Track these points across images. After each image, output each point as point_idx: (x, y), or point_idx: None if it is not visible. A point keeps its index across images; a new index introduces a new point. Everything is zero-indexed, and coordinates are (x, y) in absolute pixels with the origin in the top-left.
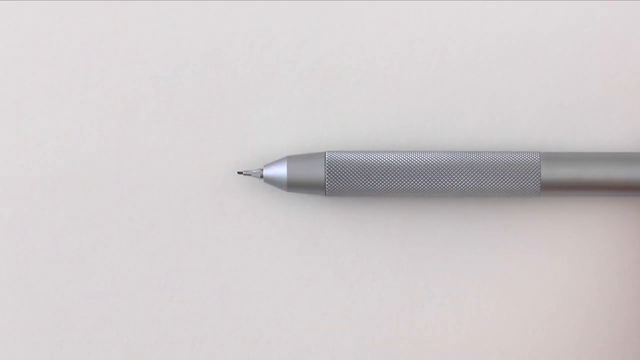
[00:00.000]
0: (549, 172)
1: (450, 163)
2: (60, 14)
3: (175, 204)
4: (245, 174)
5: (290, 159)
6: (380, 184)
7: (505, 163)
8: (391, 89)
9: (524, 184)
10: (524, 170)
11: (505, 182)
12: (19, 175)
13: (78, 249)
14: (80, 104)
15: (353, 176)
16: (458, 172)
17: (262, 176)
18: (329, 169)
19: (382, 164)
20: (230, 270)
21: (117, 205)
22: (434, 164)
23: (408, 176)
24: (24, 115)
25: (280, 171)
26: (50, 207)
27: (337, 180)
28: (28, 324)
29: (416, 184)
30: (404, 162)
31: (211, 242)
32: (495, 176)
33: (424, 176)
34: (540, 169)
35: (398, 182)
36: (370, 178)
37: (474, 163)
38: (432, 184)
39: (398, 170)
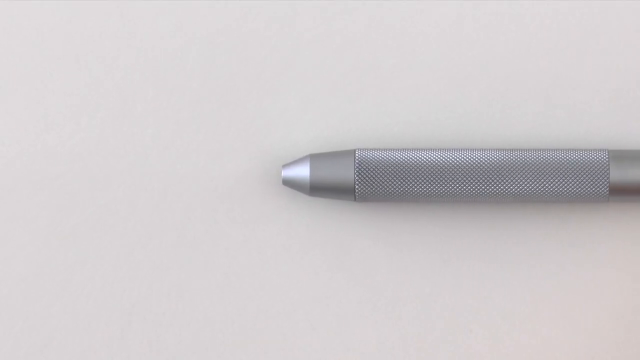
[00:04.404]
0: (619, 174)
1: (502, 163)
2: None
3: (178, 210)
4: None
5: (314, 158)
6: (419, 187)
7: (567, 163)
8: (432, 74)
9: (589, 187)
10: (589, 171)
11: (567, 185)
12: (19, 178)
13: (85, 253)
14: (85, 100)
15: (387, 178)
16: (511, 174)
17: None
18: (360, 169)
19: (421, 163)
20: (244, 287)
21: (123, 213)
22: (483, 163)
23: (452, 178)
24: (24, 118)
25: (302, 172)
26: (53, 208)
27: (369, 183)
28: (28, 325)
29: (461, 187)
30: (447, 161)
31: (222, 256)
32: (556, 178)
33: (471, 178)
34: (608, 169)
35: (440, 185)
36: (408, 180)
37: (530, 163)
38: (480, 187)
39: (440, 172)
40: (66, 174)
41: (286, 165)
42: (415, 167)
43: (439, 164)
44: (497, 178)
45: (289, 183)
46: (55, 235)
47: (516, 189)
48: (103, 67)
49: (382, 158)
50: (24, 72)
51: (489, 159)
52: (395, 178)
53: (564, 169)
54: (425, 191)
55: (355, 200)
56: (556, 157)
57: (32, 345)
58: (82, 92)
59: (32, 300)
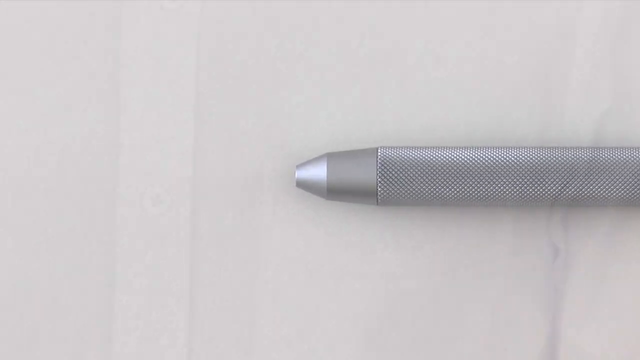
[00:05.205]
0: None
1: (543, 162)
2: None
3: (183, 214)
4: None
5: (331, 157)
6: (448, 189)
7: (619, 162)
8: (463, 66)
9: None
10: None
11: (619, 187)
12: (20, 177)
13: (86, 255)
14: (86, 96)
15: (413, 180)
16: (554, 175)
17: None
18: (382, 170)
19: (451, 163)
20: (252, 296)
21: (128, 214)
22: (523, 163)
23: (487, 179)
24: (23, 117)
25: (318, 173)
26: (53, 210)
27: (393, 184)
28: (27, 327)
29: (498, 189)
30: (482, 160)
31: (229, 263)
32: (605, 180)
33: (510, 180)
34: None
35: (472, 187)
36: (435, 182)
37: (576, 162)
38: (519, 189)
39: (472, 172)
40: (68, 174)
41: (301, 165)
42: (444, 168)
43: (471, 163)
44: (538, 179)
45: (304, 185)
46: (55, 238)
47: (559, 192)
48: (107, 62)
49: (407, 157)
50: (22, 71)
51: (529, 158)
52: (421, 179)
53: (617, 169)
54: (455, 194)
55: (377, 204)
56: (606, 157)
57: (31, 346)
58: (83, 87)
59: (31, 301)
